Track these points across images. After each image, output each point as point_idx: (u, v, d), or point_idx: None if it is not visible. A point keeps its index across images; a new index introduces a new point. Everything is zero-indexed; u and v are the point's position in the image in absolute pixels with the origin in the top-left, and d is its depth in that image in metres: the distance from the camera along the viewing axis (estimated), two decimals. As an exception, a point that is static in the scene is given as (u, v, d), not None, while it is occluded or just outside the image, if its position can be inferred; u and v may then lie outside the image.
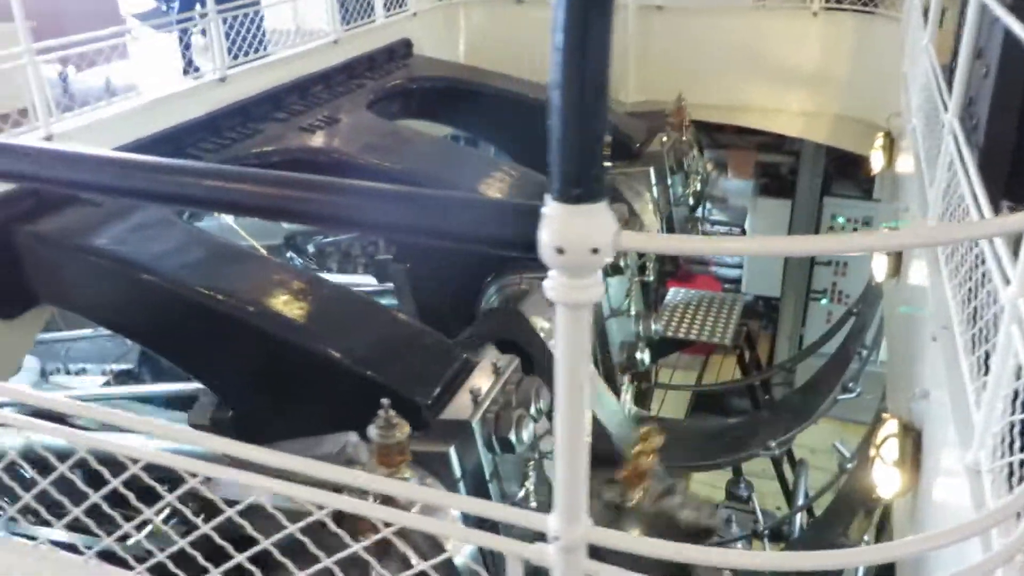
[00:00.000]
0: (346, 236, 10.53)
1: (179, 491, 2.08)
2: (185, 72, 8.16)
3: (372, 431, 3.35)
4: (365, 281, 7.75)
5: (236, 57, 6.52)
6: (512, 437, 4.02)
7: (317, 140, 6.31)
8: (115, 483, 1.93)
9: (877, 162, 7.60)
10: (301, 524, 1.91)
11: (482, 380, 4.24)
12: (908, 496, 3.44)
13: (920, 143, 4.78)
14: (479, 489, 4.12)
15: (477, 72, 9.12)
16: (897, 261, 5.28)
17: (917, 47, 5.96)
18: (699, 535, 4.56)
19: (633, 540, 1.35)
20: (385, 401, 3.31)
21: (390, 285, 6.80)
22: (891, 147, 7.49)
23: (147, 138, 5.58)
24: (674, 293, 10.31)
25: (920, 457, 3.38)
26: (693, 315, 9.61)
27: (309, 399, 4.42)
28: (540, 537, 1.39)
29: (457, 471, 4.04)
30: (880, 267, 5.40)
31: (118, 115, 5.52)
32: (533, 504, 4.27)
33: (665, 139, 8.28)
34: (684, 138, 8.51)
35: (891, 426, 3.49)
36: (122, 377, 8.05)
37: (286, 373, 4.45)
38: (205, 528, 2.06)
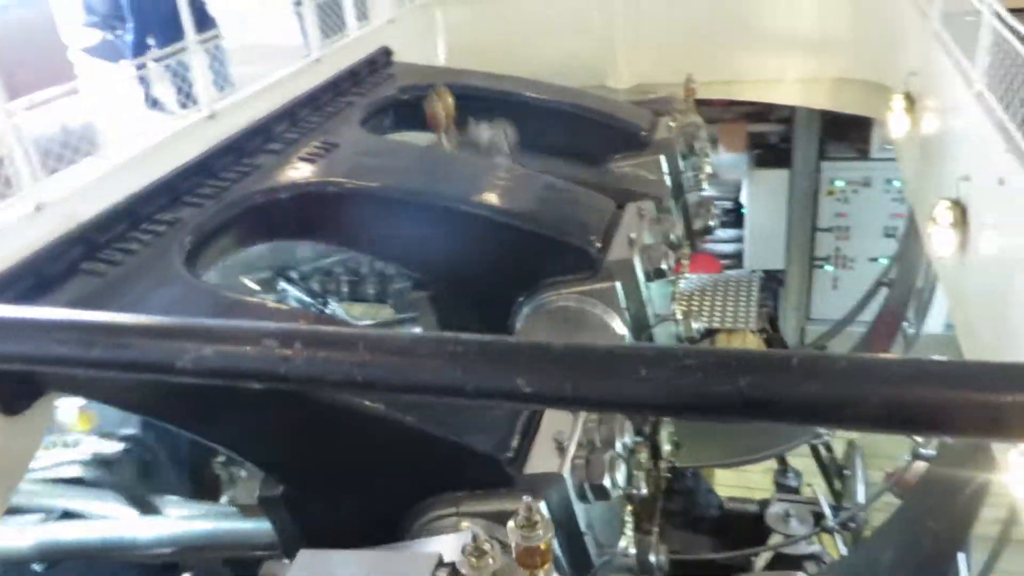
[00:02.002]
0: (350, 257, 10.08)
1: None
2: (152, 105, 7.65)
3: (512, 530, 2.82)
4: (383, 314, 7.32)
5: (222, 89, 6.03)
6: (607, 483, 3.64)
7: (323, 170, 5.85)
8: None
9: (899, 125, 7.30)
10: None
11: (561, 423, 3.85)
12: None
13: (998, 110, 4.44)
14: (574, 543, 3.74)
15: (464, 74, 8.68)
16: (964, 236, 4.97)
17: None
18: None
19: None
20: (527, 498, 2.80)
21: (411, 314, 6.41)
22: (912, 109, 7.19)
23: (142, 192, 5.09)
24: (687, 280, 9.99)
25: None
26: (712, 301, 9.32)
27: (368, 467, 3.99)
28: None
29: (550, 528, 3.67)
30: (944, 243, 5.09)
31: (107, 172, 5.02)
32: (633, 551, 3.91)
33: (673, 124, 7.93)
34: (692, 120, 8.15)
35: None
36: (128, 442, 7.57)
37: (338, 440, 4.02)
38: None
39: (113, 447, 7.25)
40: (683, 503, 8.00)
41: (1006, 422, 0.75)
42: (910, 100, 7.20)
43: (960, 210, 5.04)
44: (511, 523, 2.82)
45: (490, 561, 2.70)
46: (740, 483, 9.55)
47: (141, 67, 6.51)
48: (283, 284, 9.92)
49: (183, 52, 5.85)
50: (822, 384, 0.75)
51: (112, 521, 5.00)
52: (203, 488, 6.37)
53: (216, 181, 5.60)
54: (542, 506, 3.60)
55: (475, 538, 2.75)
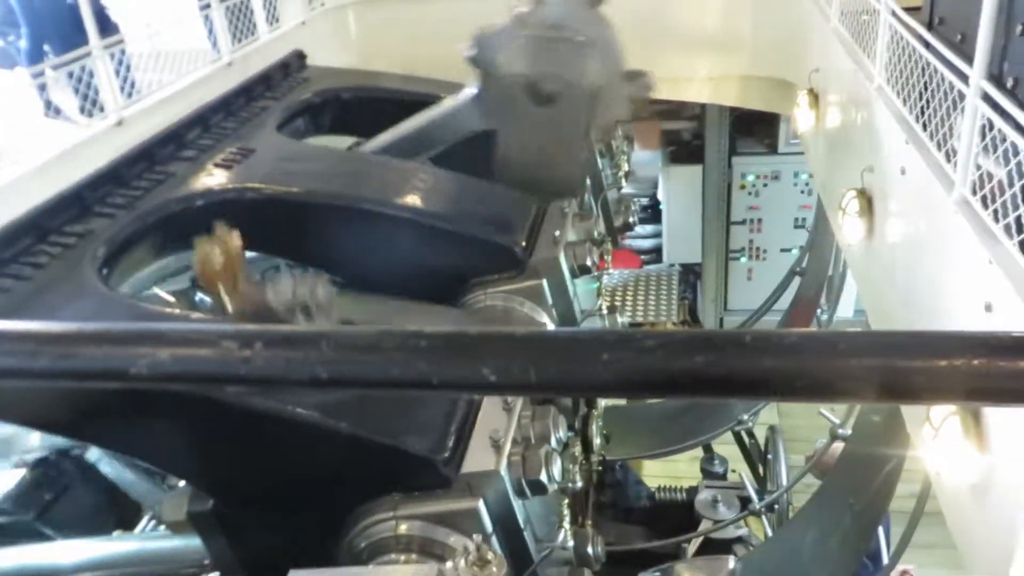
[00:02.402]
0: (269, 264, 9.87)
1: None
2: (55, 113, 7.35)
3: (462, 569, 2.82)
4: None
5: (129, 95, 5.83)
6: (543, 477, 3.69)
7: (240, 177, 5.71)
8: None
9: (805, 120, 7.59)
10: None
11: (495, 421, 3.88)
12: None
13: (897, 103, 4.67)
14: (513, 539, 3.77)
15: (378, 76, 8.62)
16: (871, 224, 5.21)
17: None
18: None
19: None
20: (477, 537, 2.82)
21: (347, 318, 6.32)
22: (816, 104, 7.49)
23: (50, 202, 4.88)
24: (610, 276, 10.17)
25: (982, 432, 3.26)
26: (634, 296, 9.51)
27: (302, 475, 3.93)
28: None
29: (488, 526, 3.68)
30: (852, 231, 5.32)
31: (9, 183, 4.80)
32: (570, 543, 3.96)
33: (590, 124, 8.05)
34: (608, 120, 8.29)
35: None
36: (39, 466, 7.23)
37: (269, 449, 3.94)
38: None
39: (17, 475, 6.94)
40: (613, 495, 8.15)
41: (921, 386, 0.82)
42: (814, 96, 7.49)
43: (866, 199, 5.28)
44: (459, 563, 2.84)
45: (494, 570, 2.70)
46: (668, 473, 9.77)
47: (39, 74, 6.25)
48: (200, 294, 9.63)
49: (87, 58, 5.63)
50: (775, 358, 0.79)
51: (30, 547, 4.78)
52: (124, 512, 6.15)
53: (128, 190, 5.41)
54: (480, 506, 3.63)
55: (478, 548, 2.75)
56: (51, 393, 4.02)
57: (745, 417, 7.76)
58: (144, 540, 4.68)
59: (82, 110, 5.94)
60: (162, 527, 5.17)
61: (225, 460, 4.00)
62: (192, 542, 4.12)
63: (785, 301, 10.60)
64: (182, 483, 4.53)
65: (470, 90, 6.48)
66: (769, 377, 0.78)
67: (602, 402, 6.66)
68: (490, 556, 2.77)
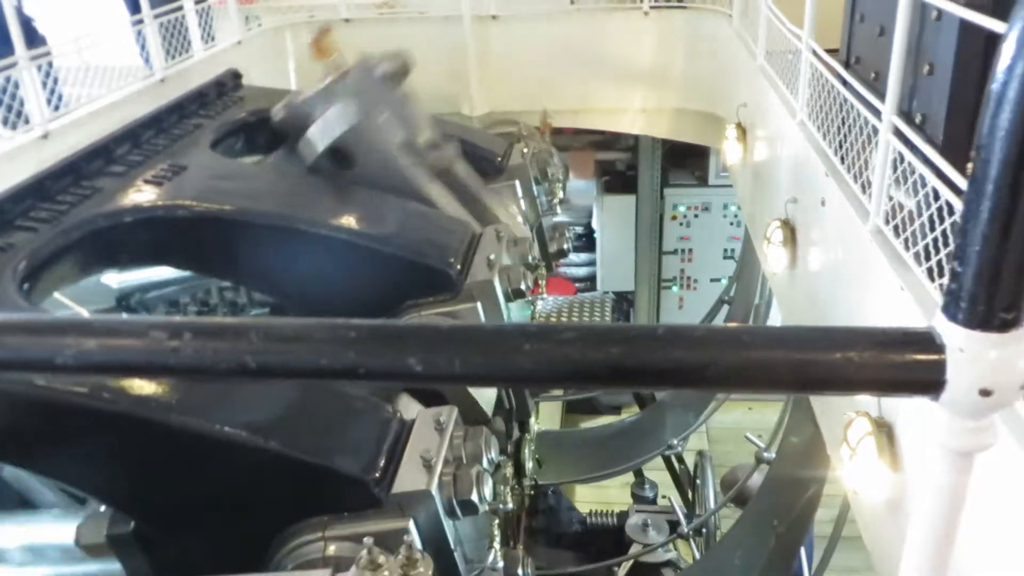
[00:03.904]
0: (191, 285, 9.67)
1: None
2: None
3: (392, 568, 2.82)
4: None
5: (56, 108, 5.69)
6: (474, 497, 3.70)
7: (172, 193, 5.61)
8: None
9: (733, 153, 7.85)
10: None
11: (427, 441, 3.88)
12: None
13: (818, 138, 4.88)
14: (444, 560, 3.76)
15: (316, 99, 8.58)
16: (794, 253, 5.41)
17: (778, 39, 6.15)
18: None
19: None
20: (368, 540, 2.83)
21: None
22: (744, 138, 7.77)
23: (-33, 215, 4.72)
24: (544, 301, 10.27)
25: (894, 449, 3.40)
26: (568, 318, 9.61)
27: (230, 495, 3.85)
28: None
29: (419, 546, 3.67)
30: (777, 260, 5.51)
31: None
32: (500, 564, 3.97)
33: (526, 150, 8.18)
34: (544, 148, 8.44)
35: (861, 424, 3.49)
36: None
37: (190, 468, 3.86)
38: None
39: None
40: (546, 521, 8.17)
41: (817, 376, 0.88)
42: (741, 130, 7.76)
43: (789, 229, 5.49)
44: (352, 571, 2.84)
45: (386, 574, 2.71)
46: (599, 499, 9.83)
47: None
48: (124, 316, 9.35)
49: (12, 68, 5.50)
50: (684, 350, 0.84)
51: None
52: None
53: (52, 204, 5.26)
54: (416, 538, 3.62)
55: (369, 551, 2.75)
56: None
57: (675, 442, 7.89)
58: (58, 564, 4.48)
59: (5, 122, 5.78)
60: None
61: (147, 480, 3.89)
62: (110, 567, 3.98)
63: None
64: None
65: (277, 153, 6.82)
66: (679, 367, 0.83)
67: (535, 427, 6.70)
68: (381, 560, 2.80)
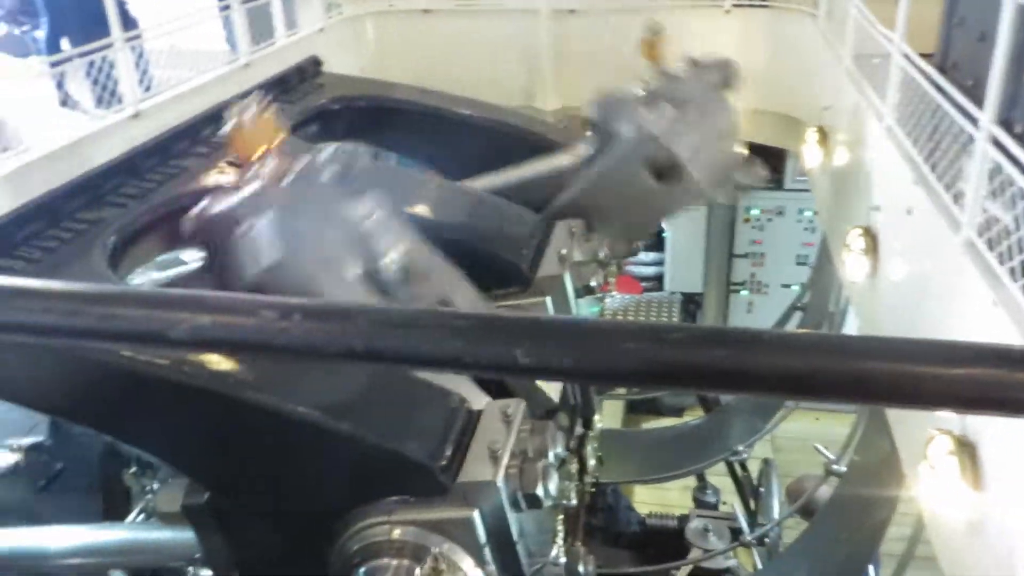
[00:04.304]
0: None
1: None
2: (63, 104, 7.39)
3: None
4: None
5: (148, 89, 5.88)
6: (540, 492, 3.69)
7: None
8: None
9: (813, 157, 7.66)
10: None
11: (494, 432, 3.89)
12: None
13: (907, 144, 4.73)
14: (506, 551, 3.77)
15: (393, 87, 8.69)
16: (875, 262, 5.25)
17: (867, 42, 5.97)
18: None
19: None
20: (436, 550, 2.88)
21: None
22: (825, 141, 7.57)
23: (62, 189, 4.92)
24: (612, 299, 10.20)
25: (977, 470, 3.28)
26: (634, 318, 9.52)
27: (301, 473, 3.94)
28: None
29: (482, 536, 3.69)
30: (857, 268, 5.36)
31: (26, 165, 4.84)
32: (563, 560, 3.96)
33: (600, 147, 8.11)
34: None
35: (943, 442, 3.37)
36: (33, 452, 7.22)
37: (269, 446, 3.95)
38: None
39: (10, 458, 6.92)
40: (604, 519, 8.13)
41: (929, 390, 0.85)
42: (823, 133, 7.56)
43: (871, 237, 5.33)
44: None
45: None
46: (658, 501, 9.74)
47: (58, 64, 6.31)
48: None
49: (109, 49, 5.70)
50: (791, 357, 0.82)
51: (21, 530, 4.76)
52: (113, 500, 6.14)
53: (141, 182, 5.45)
54: (475, 516, 3.64)
55: (435, 558, 2.80)
56: (58, 376, 4.05)
57: (740, 448, 7.75)
58: (135, 530, 4.67)
59: (100, 101, 6.00)
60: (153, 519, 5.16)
61: (224, 454, 4.00)
62: (184, 535, 4.11)
63: (783, 336, 10.60)
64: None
65: (582, 149, 6.45)
66: (785, 374, 0.81)
67: (598, 424, 6.67)
68: (443, 567, 2.85)
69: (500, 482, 3.61)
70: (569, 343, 0.81)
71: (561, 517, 3.97)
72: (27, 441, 7.30)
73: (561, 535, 3.92)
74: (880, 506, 4.88)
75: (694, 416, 11.21)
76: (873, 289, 5.34)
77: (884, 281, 5.14)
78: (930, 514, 3.77)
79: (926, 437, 3.47)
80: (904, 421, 4.45)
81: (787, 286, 13.13)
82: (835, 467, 5.98)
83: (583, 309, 5.91)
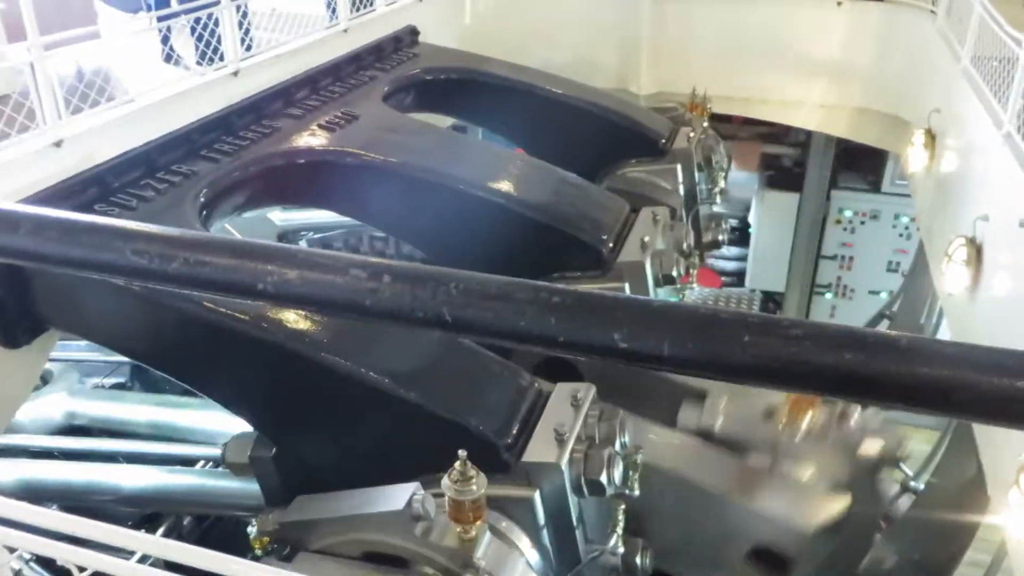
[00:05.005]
0: (345, 231, 10.05)
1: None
2: (167, 60, 7.56)
3: (446, 484, 2.98)
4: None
5: (249, 49, 5.97)
6: (603, 479, 3.63)
7: (342, 140, 5.81)
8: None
9: (917, 160, 7.31)
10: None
11: (562, 415, 3.84)
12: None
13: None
14: (564, 535, 3.73)
15: (487, 62, 8.64)
16: (977, 274, 4.97)
17: (990, 43, 5.63)
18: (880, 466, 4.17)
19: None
20: (462, 453, 2.95)
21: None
22: (932, 145, 7.20)
23: (160, 141, 5.05)
24: (691, 290, 9.98)
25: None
26: (712, 315, 9.32)
27: (366, 438, 3.97)
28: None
29: (541, 517, 3.66)
30: (956, 280, 5.09)
31: (128, 115, 4.98)
32: (620, 551, 3.89)
33: (692, 135, 7.92)
34: (711, 134, 8.15)
35: None
36: (114, 390, 7.52)
37: (336, 406, 3.99)
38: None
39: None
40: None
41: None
42: (930, 136, 7.20)
43: (975, 249, 5.05)
44: (444, 479, 3.04)
45: (474, 487, 2.84)
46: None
47: (165, 18, 6.44)
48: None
49: (215, 7, 5.79)
50: (931, 367, 0.73)
51: (98, 465, 4.96)
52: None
53: (235, 139, 5.55)
54: (536, 496, 3.62)
55: (462, 462, 2.88)
56: (144, 323, 4.17)
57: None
58: (204, 476, 4.80)
59: (202, 58, 6.12)
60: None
61: (294, 412, 4.07)
62: (250, 486, 4.20)
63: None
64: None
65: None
66: (922, 385, 0.72)
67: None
68: (472, 474, 2.92)
69: (564, 465, 3.57)
70: (676, 330, 0.75)
71: (623, 507, 3.89)
72: (109, 382, 7.62)
73: (622, 525, 3.85)
74: (959, 529, 4.65)
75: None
76: (972, 303, 5.06)
77: (985, 295, 4.86)
78: (1015, 542, 3.56)
79: (1018, 463, 3.28)
80: (994, 443, 4.21)
81: (875, 293, 12.63)
82: (912, 483, 5.72)
83: (661, 298, 5.78)
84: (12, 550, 1.36)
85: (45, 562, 4.68)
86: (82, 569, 1.33)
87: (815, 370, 0.76)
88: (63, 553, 1.30)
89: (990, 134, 5.26)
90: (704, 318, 0.80)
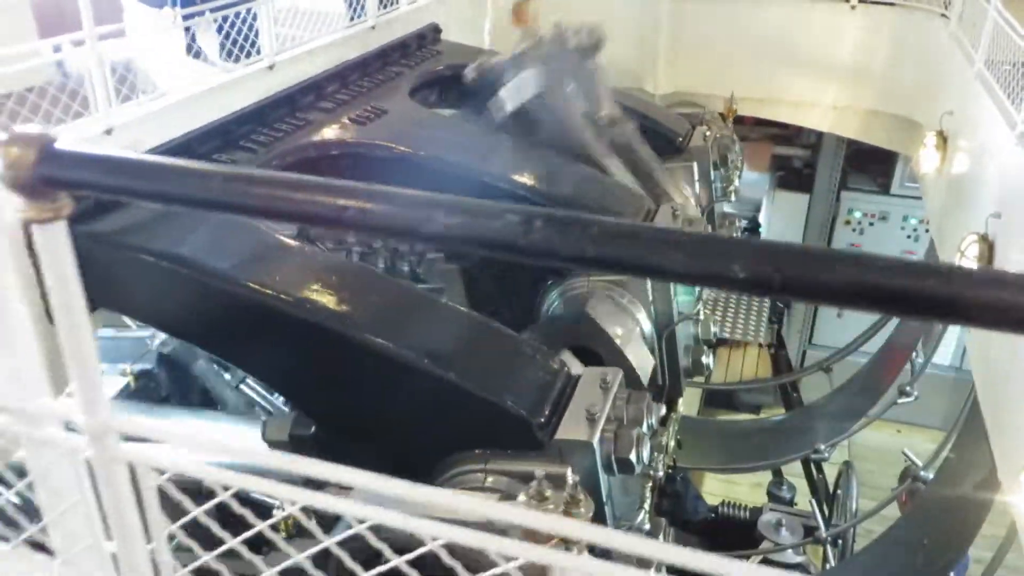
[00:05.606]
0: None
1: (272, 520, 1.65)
2: (188, 51, 7.72)
3: (521, 503, 3.03)
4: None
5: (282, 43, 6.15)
6: (633, 457, 3.80)
7: (372, 134, 5.99)
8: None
9: (928, 161, 7.48)
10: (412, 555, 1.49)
11: (592, 397, 4.00)
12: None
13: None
14: (595, 514, 3.89)
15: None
16: (989, 263, 5.14)
17: (1004, 46, 5.79)
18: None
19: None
20: (539, 472, 3.02)
21: (439, 285, 6.53)
22: (944, 146, 7.37)
23: (200, 131, 5.23)
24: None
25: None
26: (725, 311, 9.48)
27: (402, 416, 4.14)
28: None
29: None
30: (969, 273, 5.24)
31: (171, 106, 5.16)
32: (647, 528, 4.06)
33: (708, 133, 8.09)
34: (726, 133, 8.31)
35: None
36: (142, 377, 7.69)
37: (374, 385, 4.15)
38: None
39: (121, 381, 7.40)
40: (672, 505, 8.17)
41: None
42: (942, 138, 7.37)
43: (987, 245, 5.21)
44: (519, 498, 2.99)
45: (551, 506, 2.88)
46: (728, 494, 9.71)
47: (191, 16, 6.60)
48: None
49: (253, 2, 5.97)
50: (1005, 291, 0.87)
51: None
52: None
53: (270, 131, 5.73)
54: (569, 473, 3.77)
55: (539, 483, 2.93)
56: (185, 300, 4.34)
57: (822, 447, 7.67)
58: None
59: (230, 54, 6.28)
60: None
61: (333, 390, 4.22)
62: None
63: (873, 344, 10.40)
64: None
65: None
66: (997, 304, 0.88)
67: (681, 408, 6.72)
68: (549, 494, 2.97)
69: (596, 443, 3.73)
70: (782, 260, 0.91)
71: (649, 485, 4.06)
72: (137, 367, 7.79)
73: (648, 503, 4.02)
74: (969, 513, 4.80)
75: (771, 414, 11.09)
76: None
77: (998, 291, 5.02)
78: (1025, 526, 3.73)
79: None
80: (1005, 430, 4.38)
81: (882, 294, 12.78)
82: (922, 472, 5.89)
83: (680, 291, 5.95)
84: (161, 472, 1.52)
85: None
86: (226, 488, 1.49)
87: (899, 292, 0.92)
88: (209, 474, 1.46)
89: (1004, 136, 5.42)
90: (802, 251, 0.96)
